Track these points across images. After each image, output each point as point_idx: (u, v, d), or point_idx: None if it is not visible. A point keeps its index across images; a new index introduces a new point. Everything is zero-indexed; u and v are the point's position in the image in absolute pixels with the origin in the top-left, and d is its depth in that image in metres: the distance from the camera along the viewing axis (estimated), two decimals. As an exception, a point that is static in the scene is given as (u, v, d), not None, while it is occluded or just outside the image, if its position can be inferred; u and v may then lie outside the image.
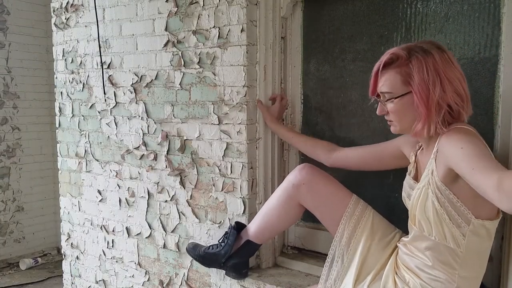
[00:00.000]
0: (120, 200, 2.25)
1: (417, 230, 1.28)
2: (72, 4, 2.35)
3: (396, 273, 1.34)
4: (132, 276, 2.24)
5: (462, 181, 1.15)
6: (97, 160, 2.33)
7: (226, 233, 1.73)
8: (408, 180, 1.37)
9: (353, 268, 1.43)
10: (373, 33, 1.69)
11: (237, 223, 1.73)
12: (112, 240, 2.31)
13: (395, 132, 1.31)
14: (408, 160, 1.43)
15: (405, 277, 1.31)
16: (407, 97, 1.23)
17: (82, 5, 2.31)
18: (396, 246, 1.42)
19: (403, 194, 1.40)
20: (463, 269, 1.22)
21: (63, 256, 2.60)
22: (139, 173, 2.15)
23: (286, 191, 1.58)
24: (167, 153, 2.03)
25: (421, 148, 1.37)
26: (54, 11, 2.45)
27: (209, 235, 1.92)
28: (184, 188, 1.99)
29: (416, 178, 1.35)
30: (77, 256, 2.50)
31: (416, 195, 1.26)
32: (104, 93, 2.25)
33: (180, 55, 1.94)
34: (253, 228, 1.67)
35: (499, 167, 1.04)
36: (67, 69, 2.43)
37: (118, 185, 2.25)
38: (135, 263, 2.22)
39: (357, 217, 1.48)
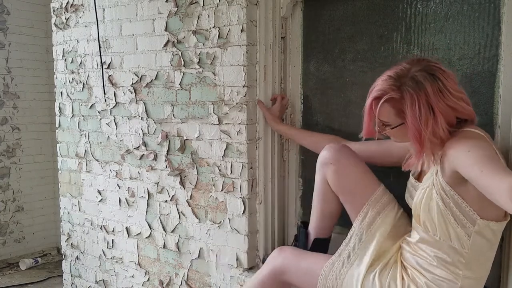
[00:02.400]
0: (120, 200, 2.25)
1: (422, 229, 1.27)
2: (72, 4, 2.35)
3: (404, 268, 1.33)
4: (132, 276, 2.24)
5: (469, 183, 1.14)
6: (97, 160, 2.33)
7: (296, 236, 1.69)
8: (411, 180, 1.36)
9: (369, 252, 1.40)
10: (373, 33, 1.69)
11: (302, 222, 1.69)
12: (112, 240, 2.31)
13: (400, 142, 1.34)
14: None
15: (411, 275, 1.30)
16: (403, 126, 1.24)
17: (82, 5, 2.30)
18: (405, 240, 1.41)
19: (406, 194, 1.39)
20: (467, 270, 1.22)
21: (63, 256, 2.60)
22: (139, 173, 2.15)
23: (318, 171, 1.54)
24: (167, 153, 2.03)
25: None
26: (54, 11, 2.45)
27: (209, 235, 1.92)
28: (184, 188, 1.99)
29: (419, 179, 1.34)
30: (77, 256, 2.50)
31: (420, 196, 1.26)
32: (104, 93, 2.25)
33: (180, 55, 1.93)
34: (313, 223, 1.61)
35: (508, 171, 1.03)
36: (67, 69, 2.43)
37: (118, 185, 2.25)
38: (135, 263, 2.22)
39: (383, 204, 1.45)
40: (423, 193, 1.25)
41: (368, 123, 1.29)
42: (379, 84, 1.24)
